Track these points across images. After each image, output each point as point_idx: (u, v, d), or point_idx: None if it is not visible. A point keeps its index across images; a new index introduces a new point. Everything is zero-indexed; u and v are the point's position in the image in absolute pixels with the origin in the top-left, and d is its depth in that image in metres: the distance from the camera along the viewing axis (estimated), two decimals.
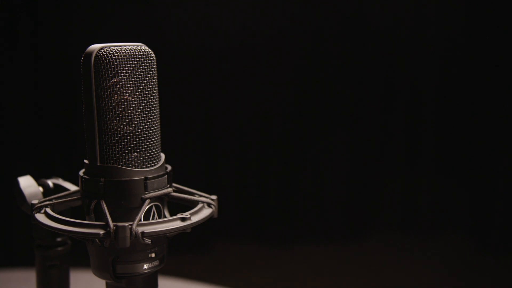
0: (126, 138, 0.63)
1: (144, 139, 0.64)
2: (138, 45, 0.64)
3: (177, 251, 1.23)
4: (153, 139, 0.65)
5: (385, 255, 2.51)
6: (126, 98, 0.63)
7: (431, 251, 2.53)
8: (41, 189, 0.73)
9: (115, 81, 0.62)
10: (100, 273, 0.65)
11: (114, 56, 0.62)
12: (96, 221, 0.63)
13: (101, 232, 0.60)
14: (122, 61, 0.62)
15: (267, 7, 2.48)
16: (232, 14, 2.45)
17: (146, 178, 0.63)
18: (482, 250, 2.52)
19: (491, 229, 2.52)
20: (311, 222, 2.62)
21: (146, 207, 0.63)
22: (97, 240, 0.62)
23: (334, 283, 2.32)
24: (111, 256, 0.63)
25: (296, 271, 2.39)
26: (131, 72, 0.63)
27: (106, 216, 0.60)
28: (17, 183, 0.72)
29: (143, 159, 0.64)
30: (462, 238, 2.57)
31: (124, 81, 0.62)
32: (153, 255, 0.65)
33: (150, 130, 0.65)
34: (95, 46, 0.62)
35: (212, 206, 0.68)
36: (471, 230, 2.58)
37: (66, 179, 0.76)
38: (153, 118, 0.65)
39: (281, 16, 2.49)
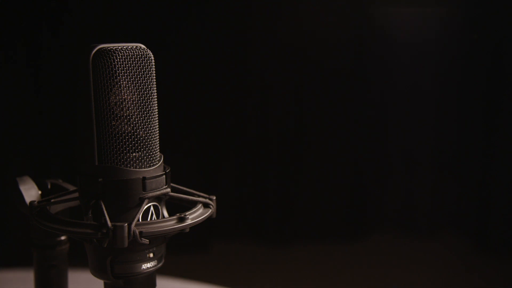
0: (125, 138, 0.63)
1: (143, 139, 0.64)
2: (136, 45, 0.64)
3: (175, 250, 1.23)
4: (152, 139, 0.65)
5: (385, 255, 2.51)
6: (125, 98, 0.63)
7: (431, 251, 2.52)
8: (39, 189, 0.73)
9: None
10: (98, 273, 0.65)
11: (113, 55, 0.62)
12: (94, 221, 0.63)
13: (99, 232, 0.60)
14: (120, 61, 0.62)
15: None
16: (222, 13, 2.45)
17: (144, 178, 0.63)
18: (482, 250, 2.52)
19: (491, 229, 2.52)
20: (311, 222, 2.62)
21: (144, 207, 0.63)
22: (95, 240, 0.62)
23: (334, 283, 2.31)
24: (109, 256, 0.63)
25: (296, 271, 2.39)
26: (129, 72, 0.63)
27: (104, 216, 0.60)
28: (16, 184, 0.72)
29: (141, 159, 0.64)
30: (462, 238, 2.57)
31: (123, 81, 0.62)
32: (151, 255, 0.65)
33: (149, 130, 0.64)
34: (94, 46, 0.62)
35: (210, 206, 0.68)
36: (471, 230, 2.58)
37: (64, 179, 0.76)
38: (152, 118, 0.65)
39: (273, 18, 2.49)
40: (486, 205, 2.53)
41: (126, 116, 0.63)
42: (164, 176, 0.65)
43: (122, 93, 0.62)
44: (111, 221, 0.59)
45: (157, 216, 0.65)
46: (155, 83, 0.65)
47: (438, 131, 2.58)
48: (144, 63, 0.64)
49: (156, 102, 0.66)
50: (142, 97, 0.64)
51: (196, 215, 0.65)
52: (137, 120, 0.63)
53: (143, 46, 0.65)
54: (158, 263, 0.66)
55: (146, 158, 0.64)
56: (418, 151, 2.62)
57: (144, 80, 0.64)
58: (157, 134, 0.66)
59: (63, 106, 2.28)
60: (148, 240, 0.61)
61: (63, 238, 0.77)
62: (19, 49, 2.25)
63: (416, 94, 2.57)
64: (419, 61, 2.53)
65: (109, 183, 0.62)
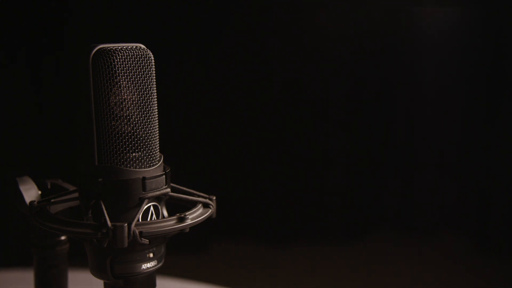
0: (125, 138, 0.63)
1: (143, 139, 0.64)
2: (136, 45, 0.64)
3: (175, 250, 1.24)
4: (152, 139, 0.65)
5: (385, 255, 2.51)
6: (125, 98, 0.63)
7: (431, 251, 2.52)
8: (39, 189, 0.73)
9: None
10: (98, 273, 0.65)
11: (113, 56, 0.62)
12: (94, 221, 0.63)
13: (99, 232, 0.60)
14: (120, 61, 0.62)
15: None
16: (219, 13, 2.45)
17: (144, 178, 0.63)
18: (482, 250, 2.52)
19: (491, 229, 2.52)
20: (310, 222, 2.61)
21: (144, 207, 0.63)
22: (95, 240, 0.62)
23: (333, 283, 2.31)
24: (109, 256, 0.63)
25: (296, 271, 2.39)
26: (129, 72, 0.63)
27: (104, 216, 0.60)
28: (16, 184, 0.72)
29: (141, 159, 0.64)
30: (462, 238, 2.57)
31: (123, 81, 0.62)
32: (151, 255, 0.65)
33: (149, 130, 0.65)
34: (94, 46, 0.62)
35: (210, 206, 0.68)
36: (471, 230, 2.58)
37: (64, 179, 0.76)
38: (152, 118, 0.65)
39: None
40: (486, 205, 2.53)
41: (126, 116, 0.63)
42: (164, 176, 0.65)
43: (122, 93, 0.62)
44: (111, 221, 0.59)
45: (157, 216, 0.65)
46: (155, 83, 0.65)
47: (438, 130, 2.58)
48: (144, 63, 0.64)
49: (156, 102, 0.66)
50: (142, 97, 0.64)
51: (196, 215, 0.65)
52: (137, 120, 0.63)
53: (143, 46, 0.65)
54: (158, 263, 0.66)
55: (146, 158, 0.64)
56: (418, 151, 2.62)
57: (144, 80, 0.64)
58: (157, 134, 0.66)
59: (63, 106, 2.28)
60: (148, 240, 0.61)
61: (63, 238, 0.77)
62: (19, 49, 2.25)
63: (415, 94, 2.57)
64: (418, 61, 2.53)
65: (109, 183, 0.62)
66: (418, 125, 2.60)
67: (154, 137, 0.66)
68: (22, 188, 0.72)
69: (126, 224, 0.59)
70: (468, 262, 2.45)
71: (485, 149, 2.50)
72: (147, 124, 0.64)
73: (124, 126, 0.63)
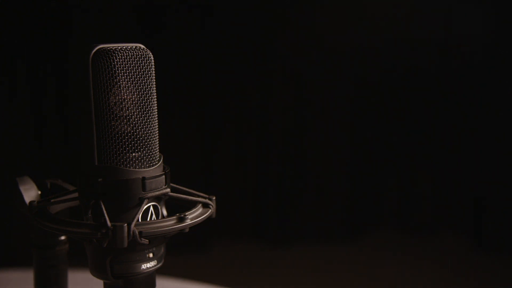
0: (125, 138, 0.63)
1: (143, 139, 0.64)
2: (136, 45, 0.64)
3: (175, 250, 1.23)
4: (152, 139, 0.65)
5: (384, 255, 2.51)
6: (124, 98, 0.63)
7: (430, 251, 2.53)
8: (39, 189, 0.73)
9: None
10: (97, 273, 0.65)
11: (112, 55, 0.62)
12: (93, 221, 0.63)
13: (99, 232, 0.59)
14: (120, 61, 0.62)
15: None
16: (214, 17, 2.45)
17: (144, 178, 0.63)
18: (482, 250, 2.52)
19: (491, 229, 2.52)
20: (310, 222, 2.62)
21: (144, 207, 0.62)
22: (95, 240, 0.62)
23: (333, 283, 2.32)
24: (109, 256, 0.63)
25: (296, 271, 2.39)
26: (129, 72, 0.63)
27: (104, 216, 0.60)
28: (15, 184, 0.72)
29: (141, 159, 0.64)
30: (462, 238, 2.57)
31: (122, 81, 0.62)
32: (151, 255, 0.65)
33: (149, 130, 0.64)
34: (93, 46, 0.62)
35: (210, 206, 0.68)
36: (470, 230, 2.58)
37: (64, 179, 0.76)
38: (152, 118, 0.65)
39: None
40: (485, 204, 2.53)
41: (126, 116, 0.63)
42: (163, 176, 0.65)
43: (122, 93, 0.62)
44: (110, 221, 0.59)
45: (157, 216, 0.65)
46: (154, 83, 0.65)
47: (437, 131, 2.58)
48: (144, 63, 0.64)
49: (155, 102, 0.66)
50: (141, 97, 0.64)
51: (195, 215, 0.65)
52: (137, 120, 0.63)
53: (143, 46, 0.65)
54: (158, 263, 0.66)
55: (146, 158, 0.64)
56: (417, 151, 2.62)
57: (144, 80, 0.64)
58: (157, 134, 0.66)
59: (63, 106, 2.28)
60: (147, 240, 0.61)
61: (63, 238, 0.77)
62: (19, 49, 2.25)
63: (415, 95, 2.57)
64: (417, 61, 2.53)
65: (109, 183, 0.62)
66: (418, 126, 2.60)
67: (154, 137, 0.65)
68: (22, 188, 0.71)
69: (126, 224, 0.59)
70: (468, 262, 2.45)
71: (484, 149, 2.51)
72: (147, 124, 0.64)
73: (124, 126, 0.63)
